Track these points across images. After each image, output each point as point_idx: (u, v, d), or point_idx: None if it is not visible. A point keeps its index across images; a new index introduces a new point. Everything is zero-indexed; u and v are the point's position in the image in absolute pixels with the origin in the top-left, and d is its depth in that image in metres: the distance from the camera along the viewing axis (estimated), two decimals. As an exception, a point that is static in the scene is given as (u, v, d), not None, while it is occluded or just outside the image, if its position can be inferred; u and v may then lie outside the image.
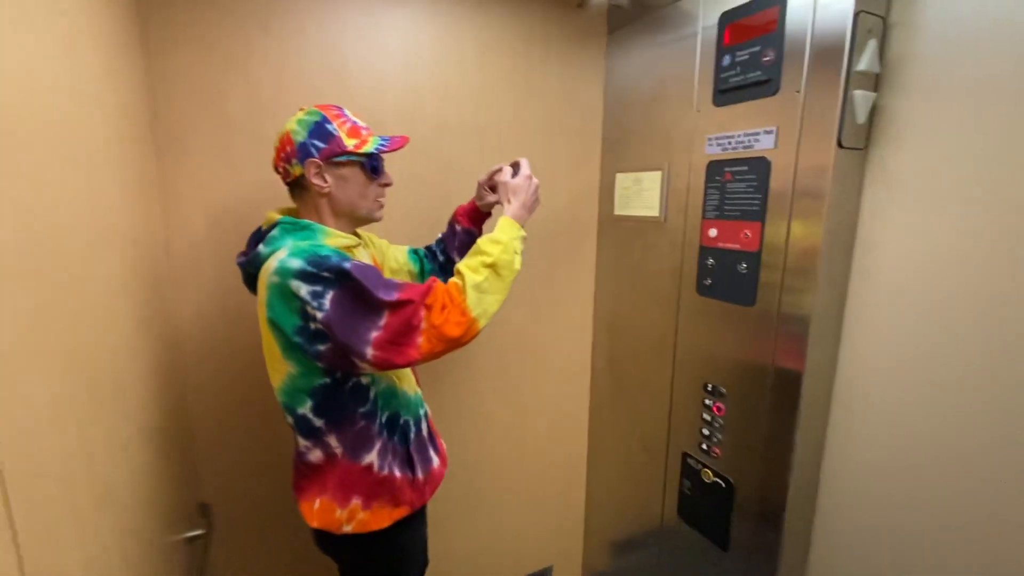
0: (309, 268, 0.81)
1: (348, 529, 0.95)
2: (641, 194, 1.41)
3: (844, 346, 1.07)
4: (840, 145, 0.95)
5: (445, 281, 0.92)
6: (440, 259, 1.25)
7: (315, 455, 0.95)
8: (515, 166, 1.10)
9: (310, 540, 1.04)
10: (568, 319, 1.69)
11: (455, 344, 0.88)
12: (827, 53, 0.95)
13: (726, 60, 1.15)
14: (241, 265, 0.94)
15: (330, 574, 1.08)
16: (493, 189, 1.19)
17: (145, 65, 1.08)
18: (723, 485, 1.23)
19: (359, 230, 1.07)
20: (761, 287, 1.11)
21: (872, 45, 0.92)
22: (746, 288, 1.13)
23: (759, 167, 1.09)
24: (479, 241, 0.96)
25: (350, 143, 0.93)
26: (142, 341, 0.90)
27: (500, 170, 1.13)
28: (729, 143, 1.15)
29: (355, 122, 0.96)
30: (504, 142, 1.46)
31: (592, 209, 1.64)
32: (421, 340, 0.85)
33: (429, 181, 1.39)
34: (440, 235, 1.27)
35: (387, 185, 1.02)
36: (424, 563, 1.29)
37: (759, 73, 1.07)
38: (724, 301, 1.20)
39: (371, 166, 0.96)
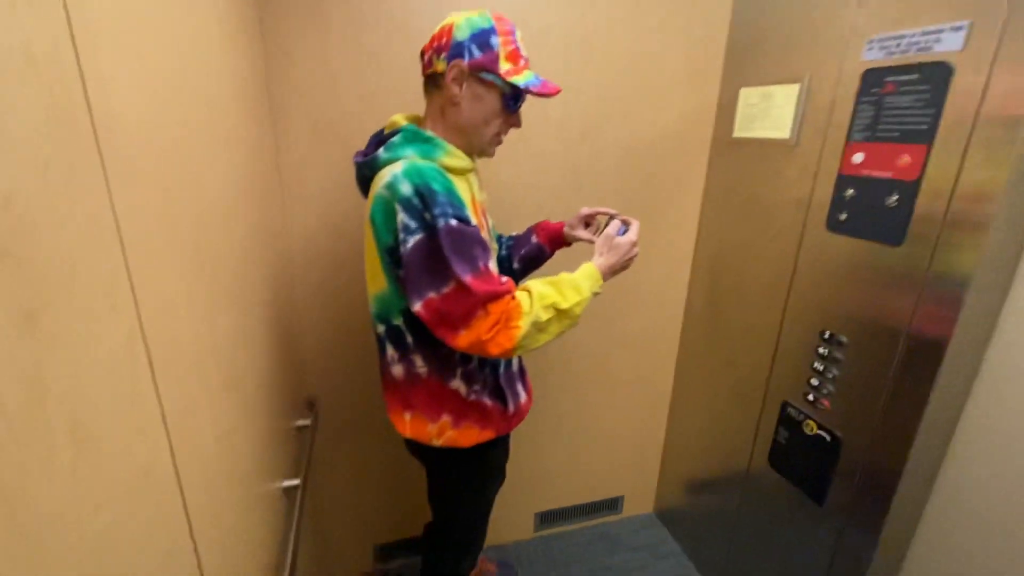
0: (415, 201, 0.80)
1: (437, 443, 1.00)
2: (769, 112, 1.23)
3: (1007, 312, 0.89)
4: (1065, 43, 0.74)
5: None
6: (503, 253, 1.21)
7: (397, 370, 0.98)
8: (626, 223, 1.03)
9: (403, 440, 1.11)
10: (667, 252, 1.58)
11: (485, 355, 0.87)
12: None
13: (909, -65, 0.91)
14: (358, 165, 0.94)
15: (420, 471, 1.15)
16: (587, 225, 1.14)
17: (252, -36, 1.06)
18: (828, 439, 1.13)
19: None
20: (913, 226, 0.94)
21: None
22: (893, 225, 0.97)
23: (936, 75, 0.88)
24: (563, 277, 0.92)
25: (504, 66, 0.87)
26: (256, 244, 0.95)
27: (607, 215, 1.08)
28: (897, 45, 0.94)
29: (518, 47, 0.89)
30: (612, 50, 1.32)
31: (706, 130, 1.47)
32: (462, 334, 0.84)
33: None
34: (514, 234, 1.22)
35: (515, 126, 0.97)
36: (502, 479, 1.35)
37: (957, -51, 0.84)
38: (861, 239, 1.04)
39: (512, 99, 0.90)
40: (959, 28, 0.85)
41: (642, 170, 1.46)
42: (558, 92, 0.91)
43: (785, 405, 1.25)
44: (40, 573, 0.30)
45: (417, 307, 0.85)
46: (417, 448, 1.06)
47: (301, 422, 1.24)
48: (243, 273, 0.84)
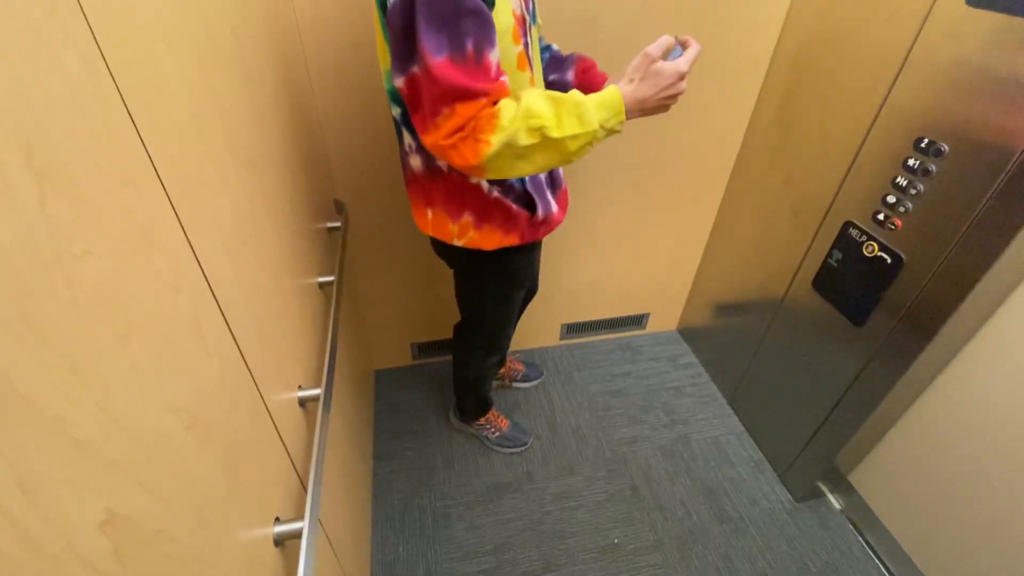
0: None
1: (459, 243, 0.95)
2: None
3: None
4: None
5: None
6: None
7: (415, 161, 0.89)
8: (684, 45, 0.75)
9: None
10: (736, 50, 1.32)
11: (449, 162, 0.72)
12: None
13: None
14: None
15: (448, 272, 1.14)
16: None
17: None
18: (888, 260, 1.05)
19: None
20: (1099, -12, 0.71)
21: None
22: (1069, -12, 0.73)
23: None
24: (571, 97, 0.71)
25: None
26: (255, 7, 0.79)
27: (676, 45, 0.76)
28: None
29: None
30: None
31: None
32: (429, 131, 0.70)
33: None
34: (555, 49, 1.01)
35: None
36: (532, 288, 1.34)
37: None
38: (1011, 14, 0.80)
39: None
40: None
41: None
42: None
43: (848, 225, 1.14)
44: (26, 319, 0.26)
45: (399, 82, 0.73)
46: (441, 247, 1.03)
47: (331, 224, 1.21)
48: (243, 35, 0.71)
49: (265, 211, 0.72)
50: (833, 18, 1.15)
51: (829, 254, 1.20)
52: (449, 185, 0.89)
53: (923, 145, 0.96)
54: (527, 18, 0.79)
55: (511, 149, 0.69)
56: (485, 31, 0.66)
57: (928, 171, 0.96)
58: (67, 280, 0.29)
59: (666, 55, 0.73)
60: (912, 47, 0.97)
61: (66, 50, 0.32)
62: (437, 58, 0.64)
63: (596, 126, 0.71)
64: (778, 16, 1.29)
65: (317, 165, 1.15)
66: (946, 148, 0.92)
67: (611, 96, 0.72)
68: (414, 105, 0.73)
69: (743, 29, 1.29)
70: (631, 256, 1.74)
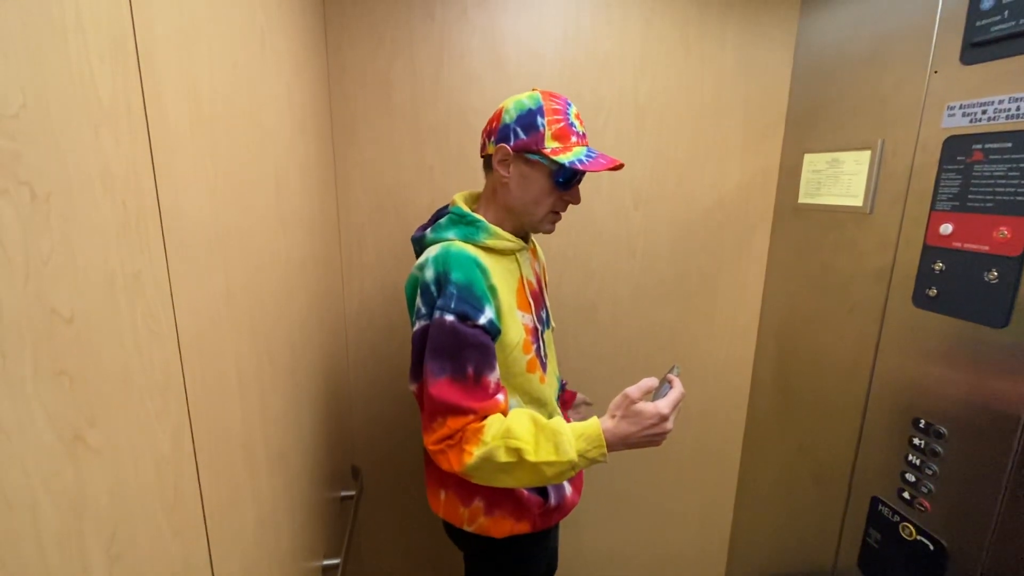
0: (432, 287, 0.81)
1: (469, 529, 0.94)
2: (839, 179, 1.16)
3: None
4: None
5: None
6: None
7: None
8: (668, 383, 0.82)
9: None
10: (728, 321, 1.49)
11: (439, 465, 0.81)
12: None
13: (987, 1, 0.87)
14: (412, 241, 0.96)
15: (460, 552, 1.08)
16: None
17: (326, 56, 1.15)
18: (931, 547, 0.97)
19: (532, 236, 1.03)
20: (1020, 305, 0.83)
21: None
22: (995, 304, 0.86)
23: (1034, 143, 0.80)
24: (554, 424, 0.78)
25: (549, 145, 0.83)
26: (314, 316, 0.97)
27: (665, 381, 0.84)
28: (983, 112, 0.88)
29: (570, 124, 0.85)
30: (666, 119, 1.32)
31: (767, 196, 1.41)
32: (426, 432, 0.81)
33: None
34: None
35: (573, 202, 0.91)
36: (550, 566, 1.24)
37: (1047, 13, 0.78)
38: (956, 318, 0.93)
39: (560, 176, 0.85)
40: (1057, 93, 0.78)
41: (700, 237, 1.41)
42: (614, 167, 0.85)
43: (876, 501, 1.10)
44: None
45: (412, 387, 0.87)
46: (452, 531, 1.01)
47: (345, 492, 1.22)
48: (300, 346, 0.86)
49: (286, 505, 0.75)
50: (802, 306, 1.32)
51: (867, 532, 1.12)
52: None
53: (922, 426, 0.99)
54: (539, 327, 0.94)
55: (490, 464, 0.75)
56: (486, 358, 0.79)
57: (936, 452, 0.97)
58: (100, 669, 0.32)
59: (652, 395, 0.80)
60: (880, 335, 1.09)
61: (164, 434, 0.41)
62: (438, 379, 0.77)
63: (573, 456, 0.76)
64: (755, 299, 1.49)
65: (340, 437, 1.22)
66: (945, 431, 0.95)
67: (591, 429, 0.78)
68: (421, 406, 0.85)
69: (727, 304, 1.48)
70: (658, 522, 1.63)
